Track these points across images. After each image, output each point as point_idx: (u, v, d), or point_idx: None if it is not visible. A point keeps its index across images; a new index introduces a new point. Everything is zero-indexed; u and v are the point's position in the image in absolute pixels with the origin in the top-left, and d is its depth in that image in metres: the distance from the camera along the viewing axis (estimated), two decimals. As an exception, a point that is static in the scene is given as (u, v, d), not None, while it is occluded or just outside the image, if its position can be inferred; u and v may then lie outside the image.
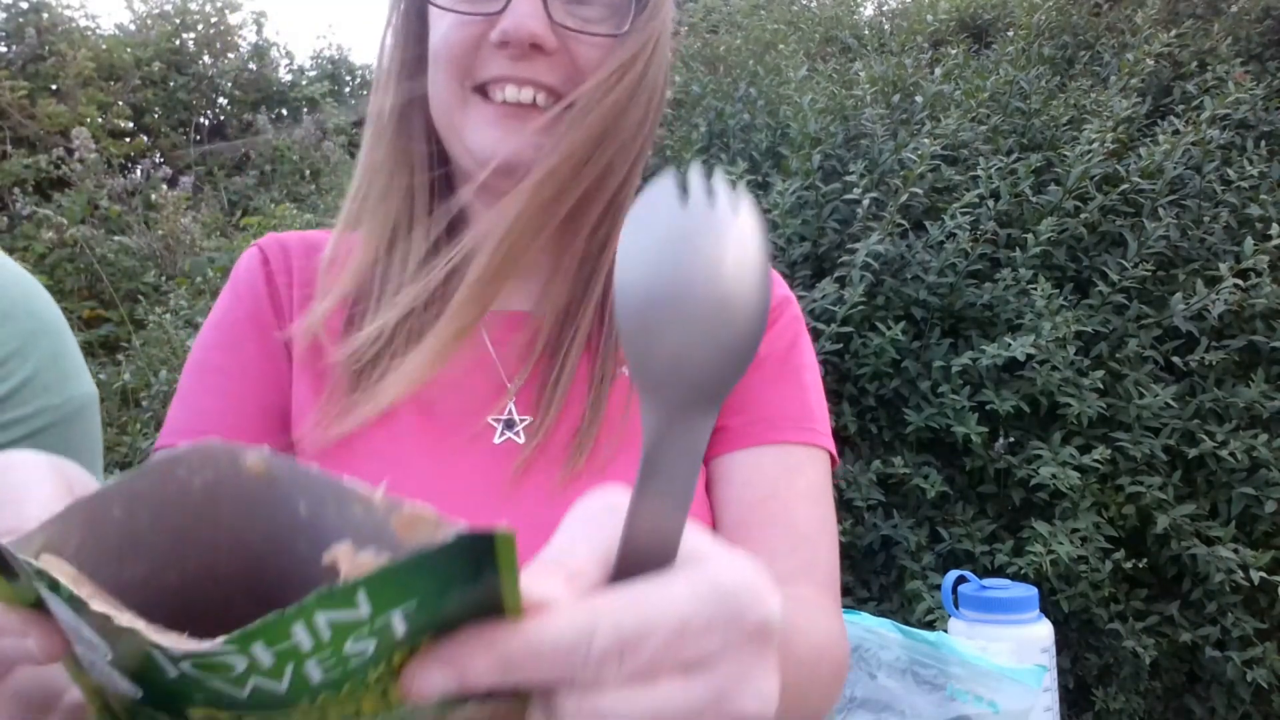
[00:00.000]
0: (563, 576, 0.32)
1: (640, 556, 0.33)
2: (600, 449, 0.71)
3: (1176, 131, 2.02)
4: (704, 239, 0.33)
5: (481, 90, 0.70)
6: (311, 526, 0.32)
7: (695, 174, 0.35)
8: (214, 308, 0.79)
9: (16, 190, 4.06)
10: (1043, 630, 1.04)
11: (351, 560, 0.29)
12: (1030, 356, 1.74)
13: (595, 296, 0.75)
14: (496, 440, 0.71)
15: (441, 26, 0.71)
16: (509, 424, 0.72)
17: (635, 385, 0.33)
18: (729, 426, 0.74)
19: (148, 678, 0.29)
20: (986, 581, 1.10)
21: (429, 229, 0.75)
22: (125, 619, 0.26)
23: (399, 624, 0.28)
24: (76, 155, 4.03)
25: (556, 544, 0.35)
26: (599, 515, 0.35)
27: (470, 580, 0.28)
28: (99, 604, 0.27)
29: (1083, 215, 1.94)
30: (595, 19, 0.70)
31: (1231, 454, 1.70)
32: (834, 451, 0.77)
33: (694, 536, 0.34)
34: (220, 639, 0.26)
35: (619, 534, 0.33)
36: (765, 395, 0.75)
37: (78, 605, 0.27)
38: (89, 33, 5.47)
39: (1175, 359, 1.86)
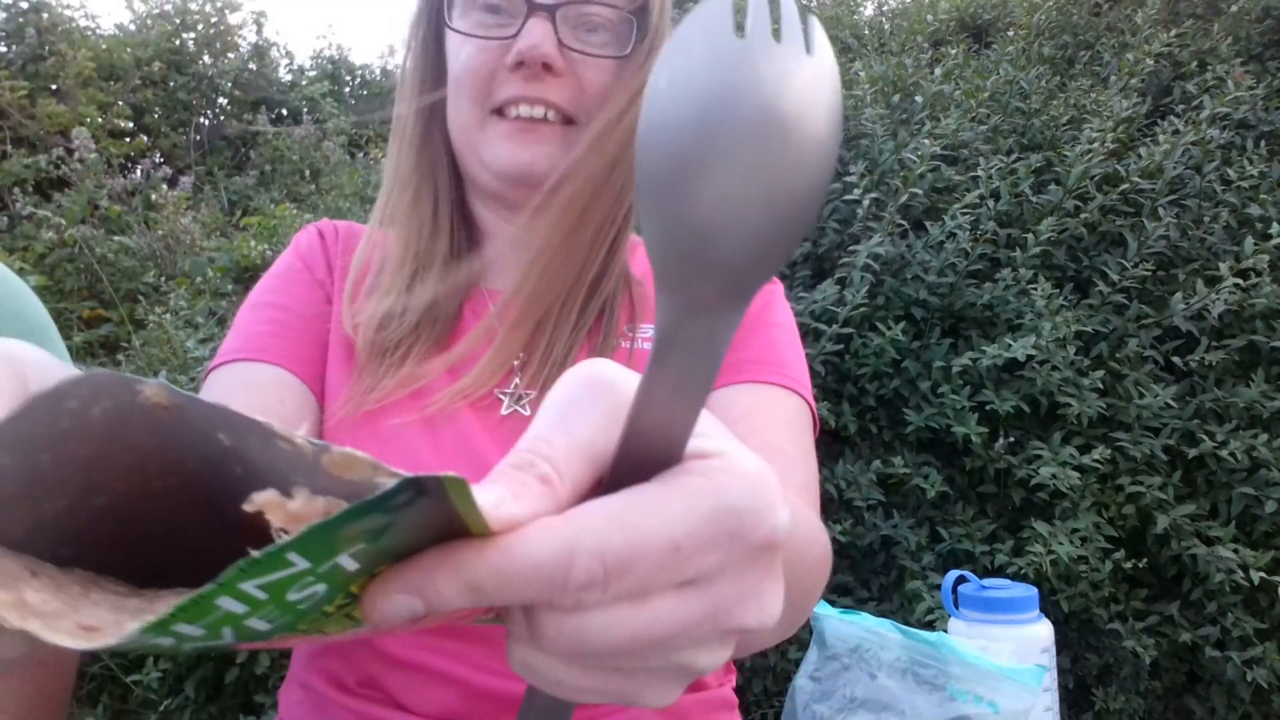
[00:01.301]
0: (537, 482, 0.28)
1: (640, 456, 0.29)
2: None
3: (1176, 131, 2.02)
4: (763, 72, 0.24)
5: (498, 111, 0.77)
6: (238, 454, 0.28)
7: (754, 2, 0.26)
8: (271, 267, 0.86)
9: (16, 190, 4.06)
10: (1043, 630, 1.04)
11: (282, 510, 0.25)
12: (1030, 356, 1.74)
13: (591, 276, 0.81)
14: (504, 412, 0.77)
15: (462, 55, 0.78)
16: (516, 397, 0.78)
17: (652, 254, 0.27)
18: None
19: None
20: (986, 581, 1.10)
21: (451, 236, 0.83)
22: (15, 619, 0.24)
23: (349, 563, 0.26)
24: (76, 155, 4.03)
25: (533, 432, 0.30)
26: (584, 396, 0.30)
27: (424, 518, 0.25)
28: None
29: (1083, 215, 1.94)
30: (599, 44, 0.77)
31: (1231, 454, 1.70)
32: (811, 402, 0.79)
33: (703, 432, 0.30)
34: (132, 627, 0.24)
35: (608, 418, 0.30)
36: (734, 344, 0.74)
37: None
38: (89, 33, 5.47)
39: (1175, 359, 1.85)
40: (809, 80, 0.25)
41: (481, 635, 0.70)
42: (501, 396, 0.78)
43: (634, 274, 0.85)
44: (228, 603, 0.24)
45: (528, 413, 0.77)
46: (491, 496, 0.27)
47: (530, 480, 0.28)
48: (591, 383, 0.31)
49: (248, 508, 0.25)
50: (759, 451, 0.50)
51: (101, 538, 0.27)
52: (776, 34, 0.25)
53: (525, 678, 0.30)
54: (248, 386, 0.76)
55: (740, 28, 0.25)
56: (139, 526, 0.31)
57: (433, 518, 0.26)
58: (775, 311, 0.85)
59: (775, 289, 0.89)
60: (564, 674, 0.29)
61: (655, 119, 0.25)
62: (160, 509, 0.32)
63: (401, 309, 0.79)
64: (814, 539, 0.61)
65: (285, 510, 0.25)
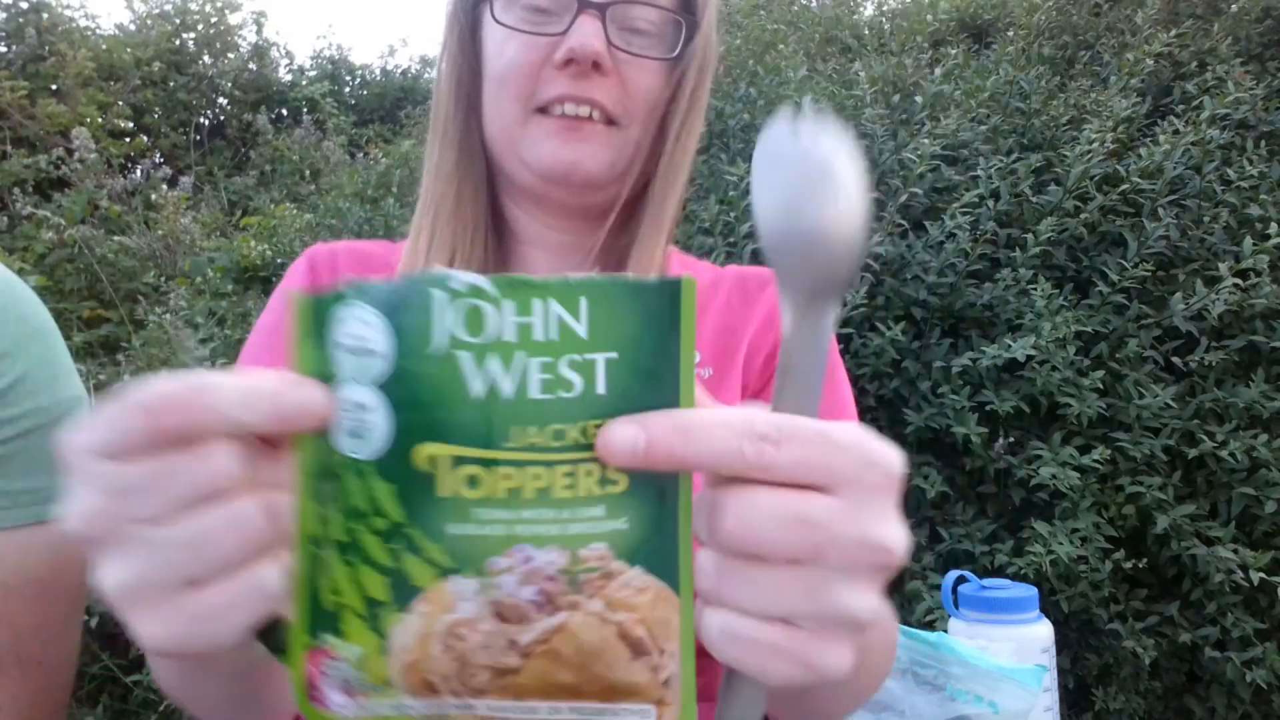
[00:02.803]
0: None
1: None
2: None
3: (1176, 131, 2.02)
4: (837, 159, 0.41)
5: (542, 109, 0.76)
6: None
7: (792, 118, 0.42)
8: (262, 313, 0.83)
9: (16, 190, 4.06)
10: (1043, 630, 1.04)
11: (573, 272, 0.35)
12: (1030, 357, 1.74)
13: None
14: None
15: (507, 51, 0.76)
16: None
17: (777, 262, 0.40)
18: None
19: (405, 384, 0.33)
20: (986, 581, 1.10)
21: (485, 242, 0.82)
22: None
23: (601, 378, 0.34)
24: (76, 155, 4.03)
25: None
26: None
27: (656, 339, 0.34)
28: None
29: (1083, 215, 1.94)
30: (644, 45, 0.76)
31: (1231, 454, 1.70)
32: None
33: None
34: (488, 277, 0.33)
35: None
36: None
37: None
38: (89, 33, 5.47)
39: (1175, 359, 1.85)
40: (846, 150, 0.41)
41: None
42: None
43: None
44: (539, 310, 0.33)
45: None
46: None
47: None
48: None
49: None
50: None
51: None
52: (815, 135, 0.41)
53: (721, 646, 0.36)
54: None
55: (795, 133, 0.41)
56: None
57: (656, 373, 0.35)
58: (835, 353, 0.87)
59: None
60: (752, 628, 0.36)
61: (765, 200, 0.40)
62: None
63: None
64: (891, 624, 0.70)
65: (575, 272, 0.36)
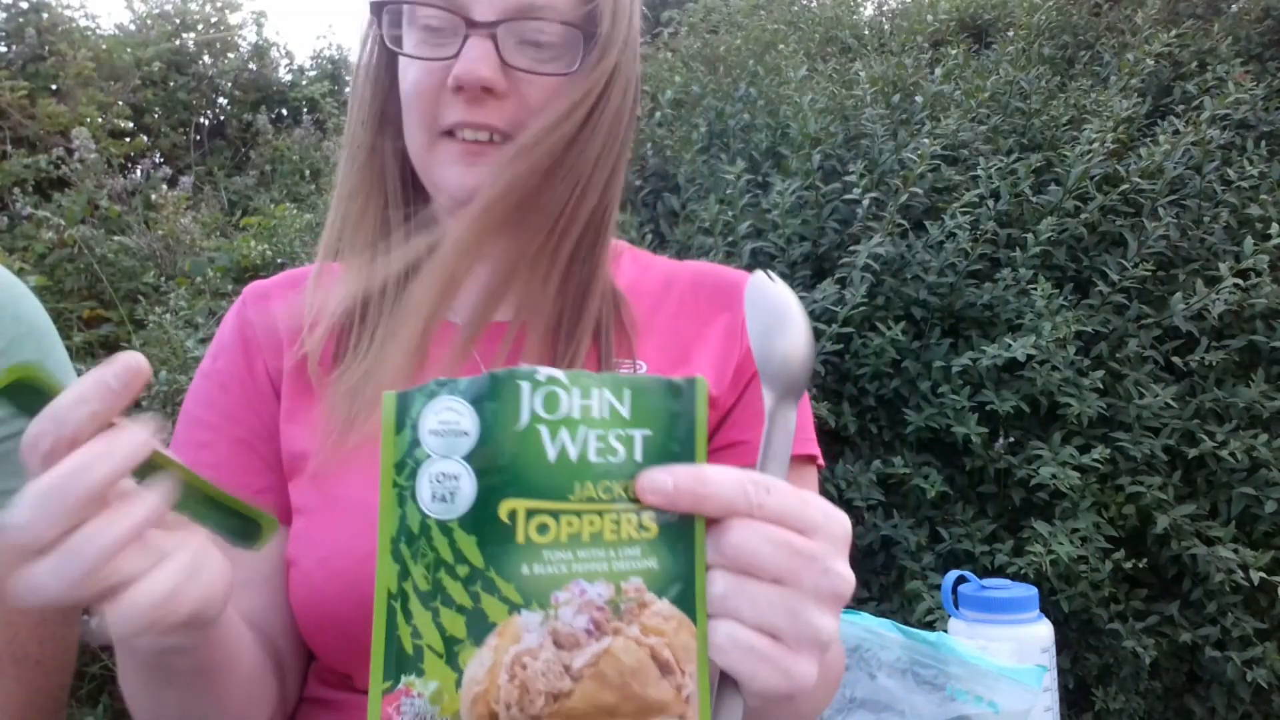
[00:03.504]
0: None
1: None
2: None
3: (1176, 131, 2.02)
4: (793, 305, 0.55)
5: (448, 132, 0.75)
6: None
7: (766, 276, 0.56)
8: (203, 359, 0.84)
9: (16, 190, 4.05)
10: (1043, 630, 1.04)
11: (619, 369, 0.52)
12: (1030, 357, 1.74)
13: (592, 313, 0.79)
14: None
15: (409, 77, 0.75)
16: None
17: (763, 366, 0.54)
18: (749, 440, 0.80)
19: (491, 455, 0.43)
20: (986, 581, 1.10)
21: (406, 255, 0.79)
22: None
23: (639, 448, 0.45)
24: (76, 155, 4.03)
25: None
26: None
27: (679, 422, 0.46)
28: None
29: (1083, 215, 1.94)
30: (545, 59, 0.74)
31: (1231, 454, 1.70)
32: (819, 453, 0.86)
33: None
34: (561, 371, 0.44)
35: None
36: None
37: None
38: (89, 33, 5.47)
39: (1175, 359, 1.85)
40: (788, 292, 0.56)
41: None
42: None
43: (619, 288, 0.83)
44: (596, 395, 0.44)
45: None
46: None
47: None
48: None
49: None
50: None
51: None
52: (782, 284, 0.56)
53: (724, 650, 0.46)
54: None
55: (772, 281, 0.56)
56: None
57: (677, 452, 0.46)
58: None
59: None
60: (747, 636, 0.46)
61: (758, 330, 0.55)
62: None
63: (363, 347, 0.77)
64: (840, 657, 0.76)
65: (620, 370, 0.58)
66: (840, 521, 0.49)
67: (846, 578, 0.48)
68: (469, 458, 0.42)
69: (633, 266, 0.88)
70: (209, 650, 0.58)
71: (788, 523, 0.47)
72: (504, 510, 0.42)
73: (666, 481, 0.45)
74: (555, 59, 0.74)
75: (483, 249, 0.75)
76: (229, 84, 5.65)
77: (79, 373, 0.90)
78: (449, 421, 0.42)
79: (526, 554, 0.42)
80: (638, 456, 0.44)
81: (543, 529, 0.43)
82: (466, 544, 0.42)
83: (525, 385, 0.43)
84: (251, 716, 0.69)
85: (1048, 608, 1.44)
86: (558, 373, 0.44)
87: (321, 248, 0.83)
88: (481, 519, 0.42)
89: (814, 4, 3.65)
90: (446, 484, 0.42)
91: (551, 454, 0.43)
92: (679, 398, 0.46)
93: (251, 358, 0.82)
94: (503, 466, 0.42)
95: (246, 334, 0.83)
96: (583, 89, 0.74)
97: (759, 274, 0.56)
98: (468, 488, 0.42)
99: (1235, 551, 1.64)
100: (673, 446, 0.46)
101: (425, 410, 0.43)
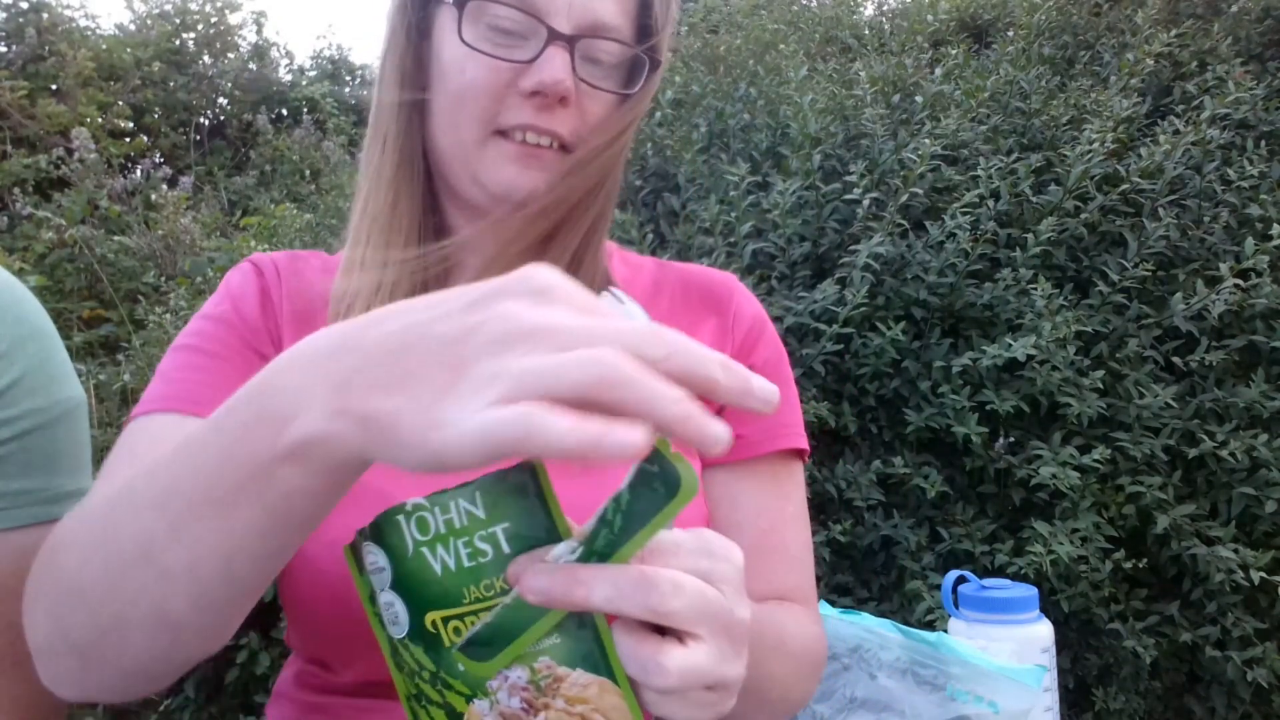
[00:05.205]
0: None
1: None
2: None
3: (1176, 131, 2.02)
4: None
5: (501, 132, 0.75)
6: None
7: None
8: (203, 307, 0.82)
9: (16, 190, 4.06)
10: (1043, 630, 1.04)
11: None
12: (1030, 357, 1.74)
13: None
14: None
15: (469, 69, 0.74)
16: None
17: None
18: (745, 435, 0.83)
19: (402, 581, 0.48)
20: (986, 581, 1.10)
21: (420, 241, 0.80)
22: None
23: (503, 538, 0.46)
24: (76, 155, 4.03)
25: None
26: None
27: (530, 504, 0.46)
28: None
29: (1083, 215, 1.94)
30: (600, 76, 0.76)
31: (1231, 454, 1.70)
32: (807, 447, 0.87)
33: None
34: (422, 496, 0.47)
35: None
36: None
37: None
38: (89, 33, 5.47)
39: (1175, 359, 1.85)
40: None
41: None
42: None
43: (615, 280, 0.84)
44: (453, 508, 0.46)
45: None
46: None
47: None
48: None
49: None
50: (782, 566, 0.84)
51: None
52: None
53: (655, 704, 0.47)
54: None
55: None
56: None
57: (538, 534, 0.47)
58: (787, 363, 0.89)
59: (776, 335, 0.89)
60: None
61: None
62: None
63: None
64: (813, 647, 0.79)
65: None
66: (735, 556, 0.49)
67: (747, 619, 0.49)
68: (394, 587, 0.49)
69: (624, 266, 0.89)
70: (329, 490, 0.48)
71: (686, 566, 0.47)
72: (428, 622, 0.48)
73: (542, 587, 0.44)
74: (609, 78, 0.77)
75: (523, 251, 0.76)
76: (229, 84, 5.65)
77: (79, 373, 0.90)
78: (373, 562, 0.50)
79: (454, 655, 0.48)
80: (505, 549, 0.46)
81: (457, 631, 0.48)
82: (419, 654, 0.49)
83: (401, 519, 0.48)
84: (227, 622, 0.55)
85: (1048, 608, 1.44)
86: (420, 499, 0.47)
87: (352, 232, 0.82)
88: (418, 632, 0.49)
89: (814, 4, 3.65)
90: (390, 610, 0.49)
91: (437, 569, 0.47)
92: (520, 482, 0.47)
93: (268, 316, 0.81)
94: (412, 589, 0.48)
95: (260, 295, 0.81)
96: (637, 110, 0.78)
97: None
98: (401, 610, 0.49)
99: (1235, 551, 1.64)
100: (534, 529, 0.47)
101: (364, 555, 0.50)
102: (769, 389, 0.42)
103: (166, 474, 0.48)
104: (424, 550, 0.47)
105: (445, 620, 0.48)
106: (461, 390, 0.39)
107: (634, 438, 0.37)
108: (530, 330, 0.39)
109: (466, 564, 0.47)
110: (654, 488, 0.43)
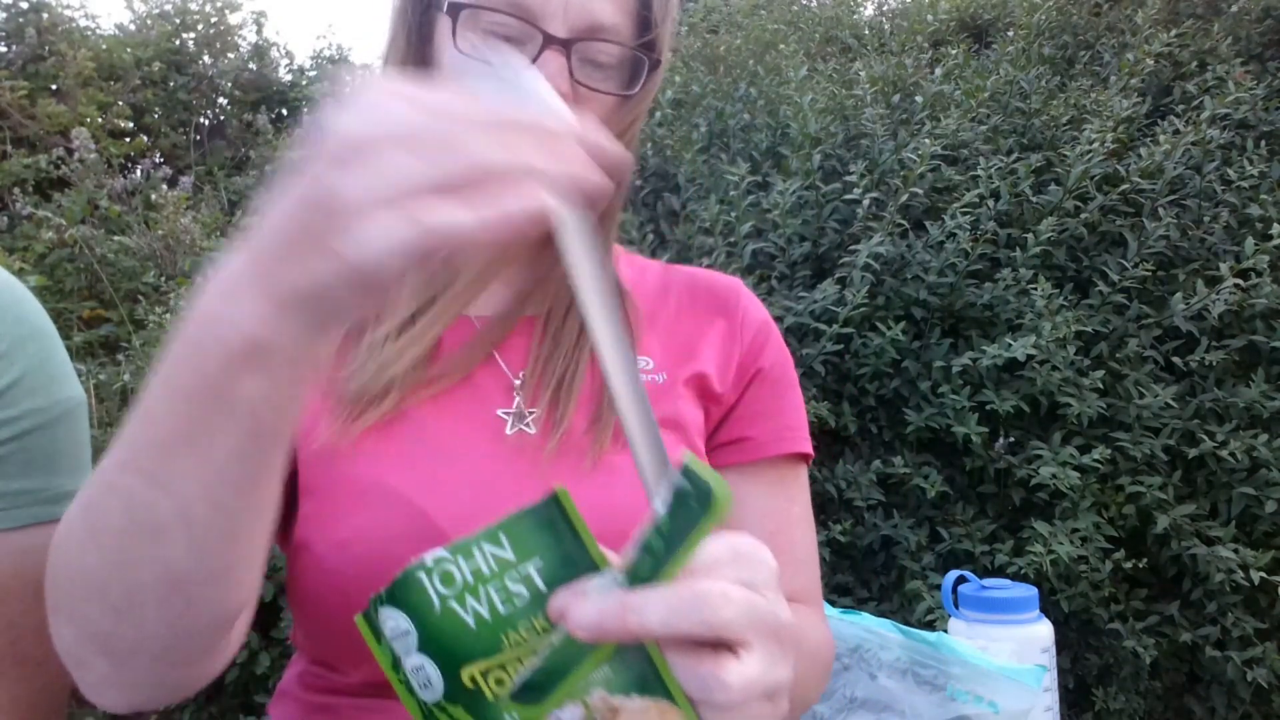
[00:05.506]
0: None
1: None
2: (619, 432, 0.74)
3: (1176, 131, 2.02)
4: None
5: None
6: None
7: None
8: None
9: (16, 190, 4.05)
10: (1043, 630, 1.04)
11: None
12: (1030, 356, 1.74)
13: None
14: (509, 432, 0.76)
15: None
16: (519, 416, 0.77)
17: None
18: (753, 436, 0.84)
19: (431, 641, 0.46)
20: (986, 581, 1.10)
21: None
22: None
23: (537, 576, 0.45)
24: (76, 155, 4.03)
25: None
26: None
27: (561, 536, 0.45)
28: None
29: (1083, 215, 1.94)
30: (600, 79, 0.76)
31: (1231, 454, 1.70)
32: (812, 452, 0.88)
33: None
34: (441, 547, 0.45)
35: None
36: (781, 405, 0.87)
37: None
38: (89, 33, 5.47)
39: (1175, 359, 1.86)
40: None
41: None
42: (505, 416, 0.77)
43: (623, 285, 0.84)
44: (478, 555, 0.45)
45: (533, 430, 0.76)
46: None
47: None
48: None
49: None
50: (789, 568, 0.77)
51: None
52: None
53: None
54: None
55: None
56: None
57: (576, 564, 0.46)
58: (792, 366, 0.89)
59: (781, 340, 0.90)
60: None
61: None
62: None
63: (373, 339, 0.76)
64: (824, 647, 0.79)
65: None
66: (768, 563, 0.48)
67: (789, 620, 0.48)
68: (422, 649, 0.48)
69: (630, 268, 0.90)
70: (290, 391, 0.46)
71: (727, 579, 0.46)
72: (466, 678, 0.47)
73: (592, 621, 0.44)
74: (609, 79, 0.76)
75: (523, 252, 0.77)
76: (229, 84, 5.65)
77: (79, 373, 0.90)
78: (395, 627, 0.48)
79: (501, 706, 0.47)
80: (541, 587, 0.46)
81: (500, 682, 0.47)
82: (460, 714, 0.48)
83: (422, 575, 0.47)
84: (232, 601, 0.54)
85: (1048, 608, 1.44)
86: (441, 550, 0.46)
87: None
88: (456, 691, 0.47)
89: (814, 4, 3.65)
90: (420, 675, 0.48)
91: (470, 621, 0.46)
92: (548, 514, 0.46)
93: None
94: (443, 646, 0.47)
95: None
96: (637, 110, 0.77)
97: None
98: (434, 672, 0.48)
99: (1235, 551, 1.65)
100: (569, 563, 0.46)
101: (382, 622, 0.49)
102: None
103: (132, 435, 0.49)
104: (452, 604, 0.46)
105: (485, 673, 0.47)
106: (352, 225, 0.39)
107: (531, 195, 0.37)
108: (381, 140, 0.39)
109: (502, 610, 0.45)
110: (689, 505, 0.43)
